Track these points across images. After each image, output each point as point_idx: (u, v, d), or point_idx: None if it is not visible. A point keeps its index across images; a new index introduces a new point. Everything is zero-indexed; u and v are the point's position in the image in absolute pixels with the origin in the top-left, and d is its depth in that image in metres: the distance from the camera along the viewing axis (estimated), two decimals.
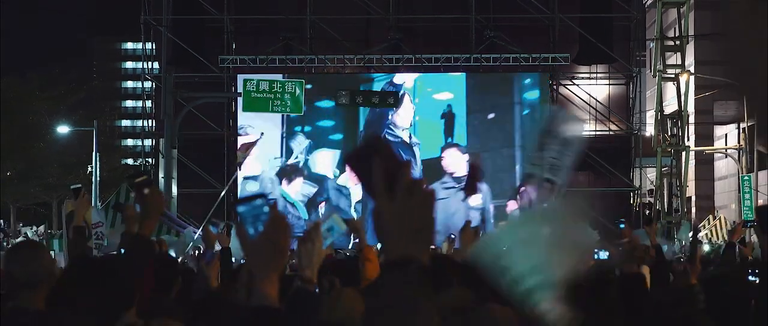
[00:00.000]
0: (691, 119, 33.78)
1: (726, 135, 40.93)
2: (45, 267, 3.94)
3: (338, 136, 28.84)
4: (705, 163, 41.26)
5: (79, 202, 6.62)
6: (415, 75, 29.18)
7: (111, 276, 4.08)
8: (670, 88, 31.28)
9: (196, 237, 17.83)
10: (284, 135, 28.94)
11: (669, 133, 29.53)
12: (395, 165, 1.50)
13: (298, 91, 24.13)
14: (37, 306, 3.87)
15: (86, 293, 4.12)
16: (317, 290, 3.58)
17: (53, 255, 15.99)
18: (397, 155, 1.52)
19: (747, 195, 32.04)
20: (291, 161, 28.86)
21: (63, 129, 39.88)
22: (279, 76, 25.92)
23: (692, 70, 35.22)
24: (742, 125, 36.70)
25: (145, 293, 4.44)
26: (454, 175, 27.87)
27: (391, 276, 1.45)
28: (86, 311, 4.08)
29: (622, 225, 9.00)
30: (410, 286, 1.43)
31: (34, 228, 40.63)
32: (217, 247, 8.82)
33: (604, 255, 9.03)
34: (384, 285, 1.45)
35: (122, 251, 5.19)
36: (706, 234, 26.55)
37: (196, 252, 17.10)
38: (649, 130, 33.29)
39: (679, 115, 29.28)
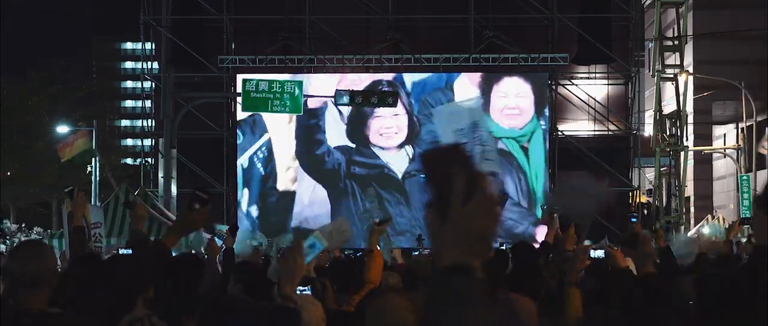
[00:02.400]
0: (690, 119, 33.78)
1: (724, 135, 40.97)
2: (47, 267, 3.87)
3: None
4: (704, 162, 41.29)
5: (76, 202, 6.66)
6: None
7: (114, 277, 4.10)
8: (668, 88, 31.29)
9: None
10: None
11: (668, 133, 29.53)
12: (475, 177, 1.53)
13: (297, 91, 24.15)
14: (39, 306, 3.82)
15: (89, 293, 4.14)
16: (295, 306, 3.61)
17: None
18: (477, 166, 1.55)
19: (746, 195, 32.05)
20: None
21: (62, 128, 39.84)
22: (278, 76, 25.89)
23: (691, 70, 35.24)
24: (740, 125, 36.73)
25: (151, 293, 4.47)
26: None
27: (450, 283, 1.48)
28: (88, 311, 4.09)
29: (634, 220, 9.20)
30: (470, 294, 1.47)
31: (37, 229, 40.61)
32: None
33: (599, 253, 9.07)
34: (444, 292, 1.48)
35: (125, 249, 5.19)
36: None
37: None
38: (648, 130, 33.30)
39: (678, 115, 29.28)
